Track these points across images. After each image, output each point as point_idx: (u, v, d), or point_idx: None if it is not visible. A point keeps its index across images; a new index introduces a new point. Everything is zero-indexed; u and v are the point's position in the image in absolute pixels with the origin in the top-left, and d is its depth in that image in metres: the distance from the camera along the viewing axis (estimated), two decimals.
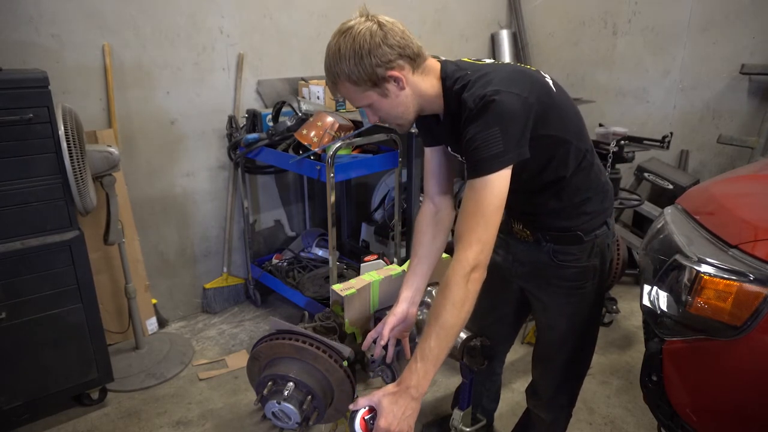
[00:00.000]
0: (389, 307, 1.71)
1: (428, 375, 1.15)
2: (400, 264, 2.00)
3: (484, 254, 1.16)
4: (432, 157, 1.48)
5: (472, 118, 1.17)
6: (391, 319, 1.47)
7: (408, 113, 1.30)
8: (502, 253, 1.59)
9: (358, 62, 1.18)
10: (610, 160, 2.96)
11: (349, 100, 1.30)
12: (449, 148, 1.44)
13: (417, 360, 1.15)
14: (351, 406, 1.24)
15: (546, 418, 1.72)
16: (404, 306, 1.48)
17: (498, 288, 1.61)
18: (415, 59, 1.24)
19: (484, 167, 1.15)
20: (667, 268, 1.45)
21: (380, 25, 1.19)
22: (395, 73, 1.21)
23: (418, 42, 1.25)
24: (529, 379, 1.78)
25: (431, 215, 1.51)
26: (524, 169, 1.25)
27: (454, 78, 1.26)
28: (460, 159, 1.40)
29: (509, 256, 1.58)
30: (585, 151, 1.38)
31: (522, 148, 1.18)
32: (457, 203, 3.52)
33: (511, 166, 1.17)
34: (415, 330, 1.70)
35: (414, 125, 1.41)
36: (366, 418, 1.18)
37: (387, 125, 1.39)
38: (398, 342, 1.63)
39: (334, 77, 1.23)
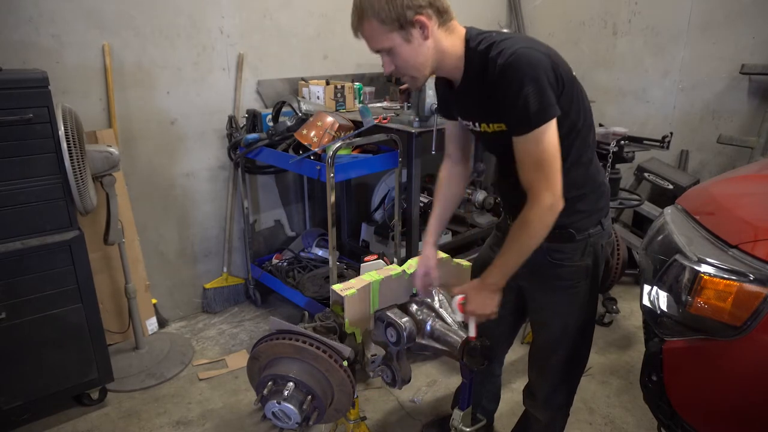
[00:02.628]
0: (389, 307, 1.72)
1: (505, 277, 1.40)
2: (400, 264, 2.00)
3: (554, 196, 1.27)
4: (450, 127, 1.62)
5: (503, 73, 1.21)
6: (421, 269, 1.69)
7: (425, 66, 1.31)
8: (497, 248, 1.60)
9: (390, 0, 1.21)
10: (610, 160, 2.96)
11: (369, 41, 1.30)
12: (459, 119, 1.49)
13: (497, 266, 1.40)
14: (453, 293, 1.52)
15: (542, 419, 1.72)
16: (431, 250, 1.69)
17: None
18: (442, 14, 1.27)
19: (530, 123, 1.22)
20: (667, 268, 1.45)
21: None
22: (423, 18, 1.23)
23: (447, 1, 1.29)
24: None
25: (449, 169, 1.69)
26: None
27: (478, 39, 1.30)
28: (471, 127, 1.45)
29: None
30: (588, 146, 1.42)
31: (555, 101, 1.23)
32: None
33: (555, 117, 1.23)
34: (415, 328, 1.70)
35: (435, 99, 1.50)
36: (461, 302, 1.50)
37: (400, 78, 1.43)
38: (398, 342, 1.63)
39: (361, 12, 1.25)
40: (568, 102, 1.30)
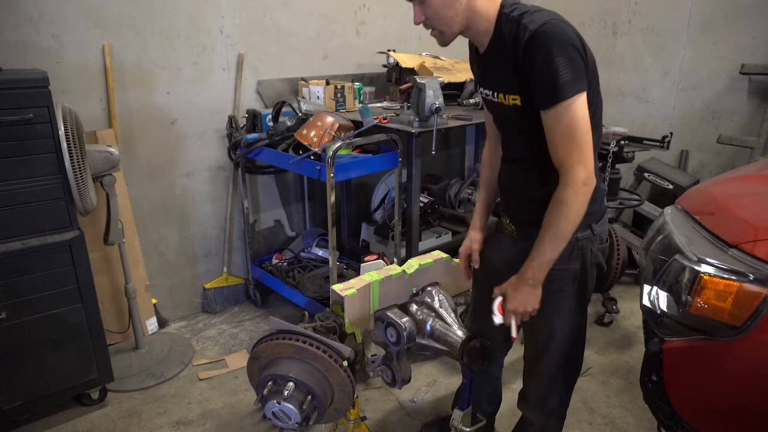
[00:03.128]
0: (389, 307, 1.72)
1: (543, 270, 1.36)
2: (400, 264, 2.00)
3: (588, 170, 1.25)
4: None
5: (533, 41, 1.20)
6: (474, 246, 1.68)
7: (455, 21, 1.31)
8: (495, 250, 1.62)
9: None
10: (610, 160, 2.96)
11: None
12: (480, 88, 1.47)
13: (533, 258, 1.35)
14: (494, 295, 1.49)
15: (536, 422, 1.71)
16: (476, 234, 1.70)
17: (492, 289, 1.60)
18: None
19: (561, 92, 1.20)
20: (667, 268, 1.45)
21: None
22: None
23: None
24: None
25: (491, 151, 1.68)
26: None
27: (512, 6, 1.30)
28: (490, 97, 1.43)
29: (501, 254, 1.59)
30: (595, 144, 1.37)
31: (585, 75, 1.23)
32: (456, 203, 3.50)
33: (585, 92, 1.22)
34: (415, 328, 1.70)
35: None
36: (501, 303, 1.47)
37: (431, 31, 1.40)
38: (398, 342, 1.63)
39: None
40: (591, 84, 1.29)
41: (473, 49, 1.46)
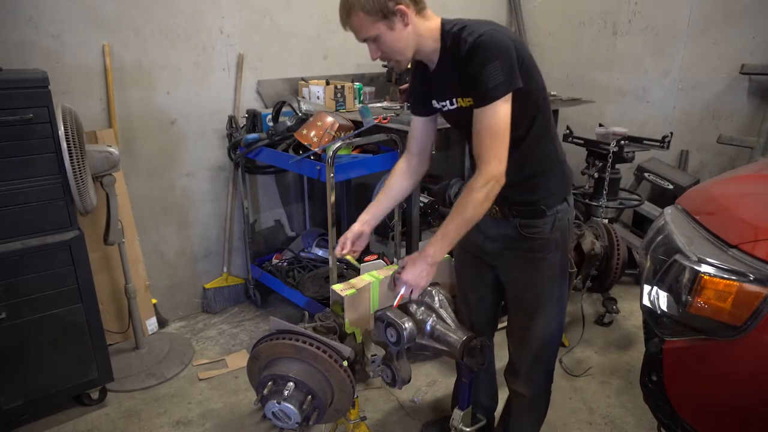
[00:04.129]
0: (389, 307, 1.72)
1: (444, 250, 1.48)
2: None
3: (501, 166, 1.40)
4: (417, 124, 1.72)
5: (473, 52, 1.37)
6: (349, 235, 1.72)
7: (407, 50, 1.47)
8: (474, 231, 1.64)
9: None
10: (610, 160, 2.96)
11: (357, 32, 1.47)
12: (435, 101, 1.60)
13: (438, 237, 1.47)
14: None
15: (527, 395, 1.76)
16: (359, 226, 1.73)
17: (475, 268, 1.77)
18: (417, 3, 1.45)
19: (490, 95, 1.36)
20: (667, 268, 1.45)
21: None
22: (403, 7, 1.40)
23: None
24: None
25: (406, 164, 1.76)
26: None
27: (452, 23, 1.47)
28: (448, 107, 1.55)
29: (480, 234, 1.68)
30: (550, 122, 1.56)
31: (517, 78, 1.38)
32: (450, 201, 3.49)
33: (511, 93, 1.37)
34: (415, 328, 1.70)
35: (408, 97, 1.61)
36: (398, 272, 1.55)
37: (386, 64, 1.59)
38: (398, 342, 1.63)
39: (349, 7, 1.42)
40: (529, 79, 1.43)
41: (421, 68, 1.60)
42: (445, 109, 1.58)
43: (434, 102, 1.61)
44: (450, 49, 1.45)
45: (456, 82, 1.47)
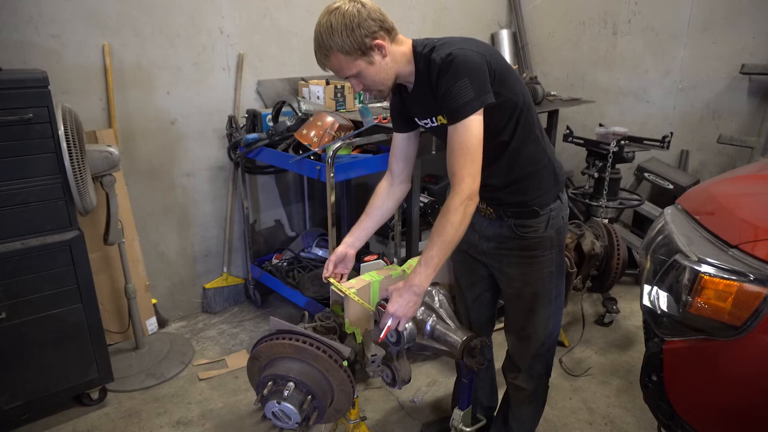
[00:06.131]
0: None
1: (429, 277, 1.46)
2: (400, 264, 2.00)
3: (475, 184, 1.40)
4: (398, 142, 1.72)
5: (442, 71, 1.38)
6: (333, 258, 1.72)
7: (389, 79, 1.49)
8: (470, 231, 1.65)
9: (350, 34, 1.37)
10: (610, 160, 2.96)
11: (338, 72, 1.47)
12: (417, 119, 1.62)
13: (421, 265, 1.45)
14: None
15: (527, 388, 1.78)
16: (343, 248, 1.73)
17: (472, 266, 1.79)
18: (390, 32, 1.46)
19: (461, 112, 1.37)
20: (667, 268, 1.45)
21: (362, 4, 1.41)
22: (380, 41, 1.41)
23: (390, 19, 1.48)
24: None
25: (388, 185, 1.77)
26: (486, 128, 1.42)
27: (422, 45, 1.49)
28: (430, 125, 1.57)
29: (475, 234, 1.69)
30: (534, 123, 1.55)
31: (488, 93, 1.38)
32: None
33: (482, 109, 1.38)
34: (415, 328, 1.70)
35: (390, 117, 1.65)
36: (382, 305, 1.54)
37: (370, 93, 1.59)
38: (398, 342, 1.63)
39: (326, 50, 1.41)
40: (504, 86, 1.44)
41: (400, 90, 1.61)
42: (428, 126, 1.60)
43: (417, 119, 1.62)
44: (423, 70, 1.47)
45: (432, 101, 1.48)
